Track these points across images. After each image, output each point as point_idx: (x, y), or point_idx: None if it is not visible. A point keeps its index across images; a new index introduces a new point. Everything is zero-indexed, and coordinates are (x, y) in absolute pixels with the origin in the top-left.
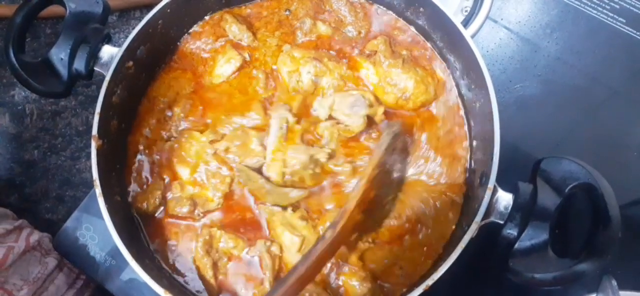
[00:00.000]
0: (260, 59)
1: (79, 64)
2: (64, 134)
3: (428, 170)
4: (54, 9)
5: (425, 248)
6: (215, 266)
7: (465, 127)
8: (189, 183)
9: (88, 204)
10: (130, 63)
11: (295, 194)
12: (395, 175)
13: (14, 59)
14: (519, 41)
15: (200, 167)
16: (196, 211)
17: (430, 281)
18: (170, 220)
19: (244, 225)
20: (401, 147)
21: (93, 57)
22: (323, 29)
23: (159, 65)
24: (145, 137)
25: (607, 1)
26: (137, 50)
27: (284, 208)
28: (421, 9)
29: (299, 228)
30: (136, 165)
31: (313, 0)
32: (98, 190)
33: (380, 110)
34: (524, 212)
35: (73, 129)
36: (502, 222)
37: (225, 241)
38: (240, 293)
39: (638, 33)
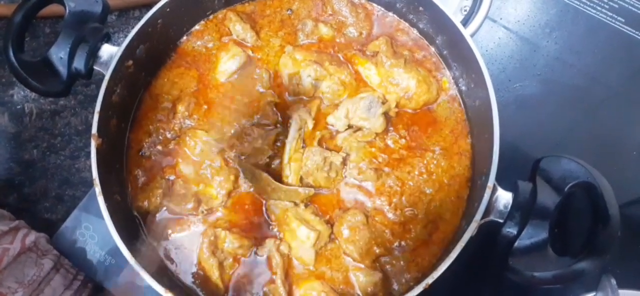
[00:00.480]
0: (263, 58)
1: (79, 63)
2: (63, 134)
3: (430, 167)
4: (53, 8)
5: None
6: (221, 267)
7: (466, 126)
8: (193, 181)
9: (87, 203)
10: (130, 62)
11: (304, 191)
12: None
13: (13, 58)
14: (518, 40)
15: (205, 164)
16: (200, 208)
17: (430, 280)
18: (170, 216)
19: (249, 224)
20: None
21: (92, 56)
22: (324, 30)
23: (162, 64)
24: (148, 134)
25: (606, 1)
26: (136, 49)
27: (296, 204)
28: (421, 9)
29: (313, 223)
30: (138, 162)
31: (314, 0)
32: (98, 189)
33: (393, 104)
34: (523, 210)
35: (72, 128)
36: (501, 221)
37: (230, 242)
38: (247, 293)
39: (637, 32)
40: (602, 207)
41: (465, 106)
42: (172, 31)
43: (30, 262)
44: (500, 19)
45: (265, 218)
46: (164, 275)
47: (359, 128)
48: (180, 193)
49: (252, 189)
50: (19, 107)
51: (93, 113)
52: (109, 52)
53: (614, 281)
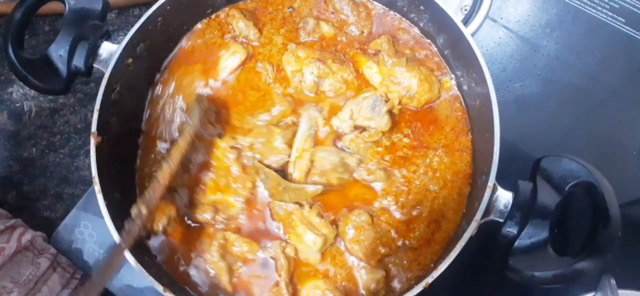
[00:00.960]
0: (264, 53)
1: (78, 61)
2: (63, 132)
3: (434, 165)
4: (53, 6)
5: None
6: (230, 270)
7: (467, 124)
8: (210, 189)
9: (86, 202)
10: (130, 60)
11: (311, 189)
12: (208, 137)
13: (12, 56)
14: (518, 40)
15: (222, 172)
16: (218, 217)
17: (430, 279)
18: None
19: (256, 226)
20: (214, 118)
21: (92, 53)
22: (326, 29)
23: (163, 62)
24: (162, 140)
25: (607, 1)
26: (136, 47)
27: (301, 205)
28: (421, 7)
29: (318, 227)
30: (152, 164)
31: None
32: (97, 187)
33: (396, 102)
34: (523, 210)
35: (72, 127)
36: (502, 220)
37: (239, 245)
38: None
39: (637, 32)
40: (602, 206)
41: (466, 105)
42: (172, 29)
43: (26, 261)
44: (501, 18)
45: (270, 220)
46: (163, 274)
47: (365, 129)
48: (199, 201)
49: (267, 193)
50: (18, 105)
51: (92, 111)
52: (109, 50)
53: (613, 281)
